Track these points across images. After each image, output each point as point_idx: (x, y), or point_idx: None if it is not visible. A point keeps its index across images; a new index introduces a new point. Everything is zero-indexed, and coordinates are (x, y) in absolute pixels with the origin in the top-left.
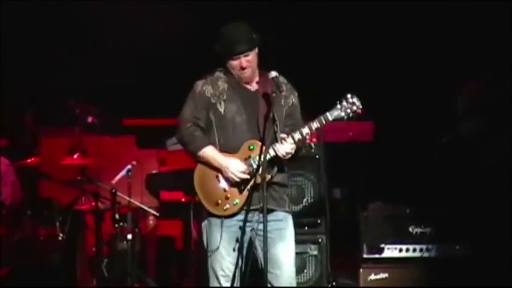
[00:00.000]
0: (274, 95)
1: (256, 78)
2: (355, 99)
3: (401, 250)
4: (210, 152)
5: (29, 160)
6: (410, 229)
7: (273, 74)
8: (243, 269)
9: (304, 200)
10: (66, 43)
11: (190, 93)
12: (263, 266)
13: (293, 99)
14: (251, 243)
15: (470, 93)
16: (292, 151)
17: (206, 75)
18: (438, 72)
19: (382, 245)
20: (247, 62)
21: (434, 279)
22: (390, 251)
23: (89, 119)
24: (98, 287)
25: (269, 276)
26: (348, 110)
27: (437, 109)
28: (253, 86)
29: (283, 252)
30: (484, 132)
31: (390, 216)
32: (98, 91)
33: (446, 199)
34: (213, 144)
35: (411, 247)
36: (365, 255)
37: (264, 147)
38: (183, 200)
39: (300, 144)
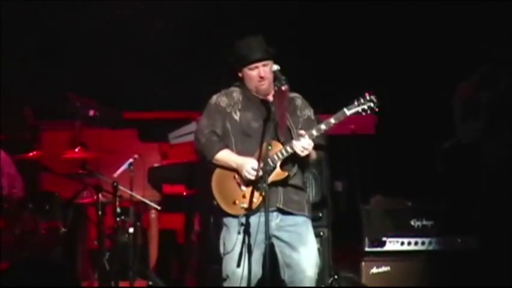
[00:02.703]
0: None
1: (272, 92)
2: (372, 97)
3: (402, 243)
4: (226, 153)
5: (30, 154)
6: (412, 222)
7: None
8: (259, 273)
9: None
10: (66, 36)
11: (205, 107)
12: (284, 273)
13: (309, 112)
14: (270, 249)
15: (463, 96)
16: (310, 147)
17: (221, 90)
18: (441, 65)
19: (384, 238)
20: (265, 72)
21: (436, 272)
22: (392, 244)
23: (90, 113)
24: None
25: (291, 280)
26: (366, 107)
27: (439, 103)
28: (268, 99)
29: (306, 256)
30: (481, 134)
31: (392, 210)
32: (99, 84)
33: (447, 194)
34: (231, 149)
35: (413, 240)
36: (366, 249)
37: (266, 146)
38: (185, 193)
39: (318, 142)
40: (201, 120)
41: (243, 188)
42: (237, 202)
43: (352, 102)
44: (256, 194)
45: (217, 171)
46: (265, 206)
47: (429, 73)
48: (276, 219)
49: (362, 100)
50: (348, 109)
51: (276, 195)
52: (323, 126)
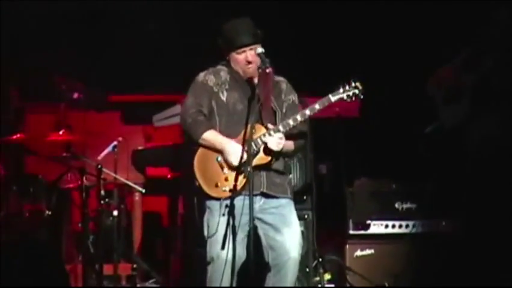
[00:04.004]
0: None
1: (257, 74)
2: (358, 84)
3: (387, 226)
4: (212, 135)
5: (14, 136)
6: (396, 205)
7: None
8: (243, 256)
9: (290, 176)
10: (50, 18)
11: (192, 84)
12: (267, 255)
13: (293, 97)
14: (253, 231)
15: (445, 80)
16: (282, 141)
17: (208, 68)
18: (427, 48)
19: (368, 221)
20: (252, 56)
21: (420, 255)
22: (376, 227)
23: (75, 95)
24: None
25: (275, 263)
26: (350, 93)
27: (425, 86)
28: (255, 80)
29: (289, 238)
30: (465, 117)
31: (376, 192)
32: (83, 66)
33: (431, 178)
34: (215, 129)
35: (397, 223)
36: (351, 232)
37: (251, 129)
38: (169, 176)
39: (301, 129)
40: (187, 98)
41: (226, 170)
42: (219, 185)
43: (337, 88)
44: (239, 177)
45: (200, 151)
46: (248, 189)
47: (415, 56)
48: (259, 201)
49: (347, 87)
50: (333, 95)
51: (258, 179)
52: (307, 112)
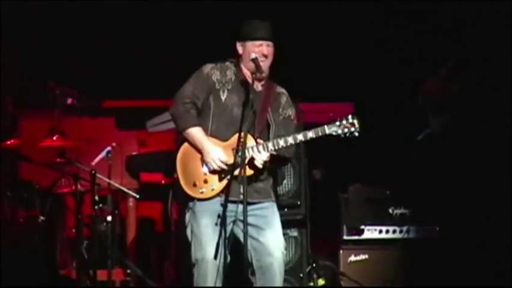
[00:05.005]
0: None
1: (263, 82)
2: (355, 121)
3: (381, 231)
4: (196, 132)
5: (8, 142)
6: (390, 210)
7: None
8: (227, 257)
9: (284, 181)
10: (44, 24)
11: (196, 72)
12: (251, 257)
13: (290, 112)
14: (231, 234)
15: (433, 89)
16: (268, 159)
17: (216, 62)
18: (421, 57)
19: (362, 227)
20: (268, 50)
21: (414, 260)
22: (370, 233)
23: (69, 101)
24: None
25: (260, 265)
26: (346, 130)
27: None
28: (258, 87)
29: (273, 239)
30: (453, 125)
31: (370, 198)
32: (77, 72)
33: (425, 183)
34: (205, 128)
35: (391, 228)
36: (345, 237)
37: (244, 138)
38: (163, 181)
39: (285, 153)
40: (187, 85)
41: (207, 172)
42: (197, 184)
43: (334, 121)
44: (218, 183)
45: (186, 146)
46: (228, 194)
47: (409, 64)
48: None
49: (344, 122)
50: (329, 127)
51: (238, 186)
52: (299, 137)
